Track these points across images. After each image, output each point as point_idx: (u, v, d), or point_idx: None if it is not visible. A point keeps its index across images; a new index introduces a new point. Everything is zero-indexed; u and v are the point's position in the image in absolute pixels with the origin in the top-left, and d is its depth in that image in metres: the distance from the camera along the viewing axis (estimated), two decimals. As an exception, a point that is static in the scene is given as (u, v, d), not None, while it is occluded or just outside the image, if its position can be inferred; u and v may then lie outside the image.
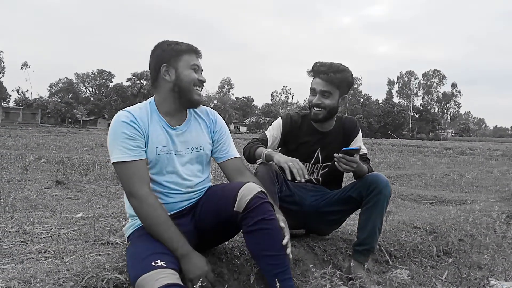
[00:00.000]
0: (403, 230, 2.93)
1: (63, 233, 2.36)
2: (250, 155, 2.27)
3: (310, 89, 2.31)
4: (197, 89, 1.80)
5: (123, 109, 1.77)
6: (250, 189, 1.68)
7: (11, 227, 2.43)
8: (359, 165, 2.16)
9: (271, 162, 2.16)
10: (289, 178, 2.04)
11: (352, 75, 2.29)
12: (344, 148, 2.08)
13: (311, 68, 2.30)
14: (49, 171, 5.69)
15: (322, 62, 2.26)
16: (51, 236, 2.29)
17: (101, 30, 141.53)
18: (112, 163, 1.69)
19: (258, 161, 2.26)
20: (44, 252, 1.97)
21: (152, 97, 1.86)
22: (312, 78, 2.30)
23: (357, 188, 2.25)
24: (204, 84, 1.84)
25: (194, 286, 1.52)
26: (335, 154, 2.09)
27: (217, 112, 2.01)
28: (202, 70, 1.84)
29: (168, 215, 1.67)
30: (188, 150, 1.84)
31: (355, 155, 2.08)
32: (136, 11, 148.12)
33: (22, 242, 2.16)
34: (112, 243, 2.17)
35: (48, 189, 4.17)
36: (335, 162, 2.10)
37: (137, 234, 1.75)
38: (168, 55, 1.77)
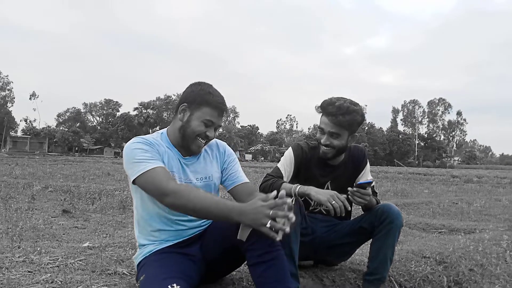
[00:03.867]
0: (413, 260, 2.89)
1: (70, 263, 2.35)
2: (274, 191, 2.22)
3: (319, 127, 2.29)
4: (200, 141, 1.81)
5: (135, 137, 1.81)
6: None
7: (18, 257, 2.42)
8: (371, 198, 2.16)
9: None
10: (332, 215, 2.02)
11: (362, 114, 2.23)
12: (359, 182, 2.09)
13: (319, 105, 2.25)
14: (56, 200, 5.70)
15: (331, 100, 2.20)
16: (58, 266, 2.28)
17: (109, 60, 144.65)
18: (135, 179, 1.68)
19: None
20: (51, 283, 1.96)
21: (165, 129, 1.91)
22: (321, 114, 2.26)
23: (369, 219, 2.24)
24: (210, 140, 1.85)
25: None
26: (349, 188, 2.10)
27: (226, 143, 2.03)
28: (218, 128, 1.84)
29: (204, 191, 1.68)
30: (197, 179, 1.87)
31: (367, 188, 2.09)
32: (143, 42, 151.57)
33: (29, 272, 2.14)
34: (119, 273, 2.16)
35: (55, 218, 4.18)
36: (349, 196, 2.10)
37: (148, 260, 1.75)
38: (193, 98, 1.79)
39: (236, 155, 2.07)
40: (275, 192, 1.51)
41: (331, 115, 2.17)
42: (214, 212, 1.57)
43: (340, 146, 2.24)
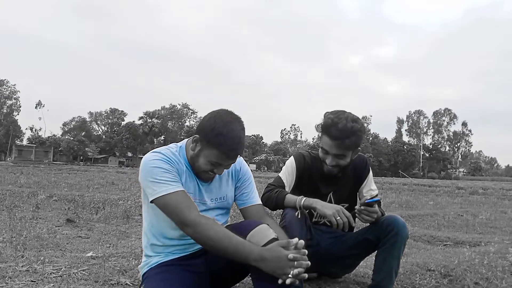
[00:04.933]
0: (417, 273, 2.86)
1: (73, 273, 2.35)
2: (277, 203, 2.19)
3: (322, 147, 2.24)
4: (210, 173, 1.78)
5: (152, 151, 1.78)
6: (261, 235, 1.63)
7: (22, 266, 2.42)
8: (378, 214, 2.16)
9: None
10: (336, 229, 2.02)
11: (364, 129, 2.19)
12: (366, 201, 2.08)
13: (320, 125, 2.20)
14: (60, 209, 5.71)
15: (332, 121, 2.13)
16: (61, 276, 2.28)
17: (115, 69, 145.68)
18: (155, 199, 1.67)
19: (288, 209, 2.15)
20: (54, 293, 1.96)
21: (184, 142, 1.87)
22: (321, 134, 2.22)
23: (374, 230, 2.22)
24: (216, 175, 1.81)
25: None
26: (357, 207, 2.10)
27: (242, 159, 1.97)
28: (226, 167, 1.78)
29: (225, 228, 1.64)
30: (212, 200, 1.86)
31: (374, 206, 2.09)
32: (149, 52, 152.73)
33: (32, 281, 2.15)
34: (122, 284, 2.15)
35: (59, 228, 4.18)
36: (356, 214, 2.10)
37: (153, 272, 1.75)
38: (205, 134, 1.70)
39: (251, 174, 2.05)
40: (296, 239, 1.50)
41: (335, 139, 2.13)
42: (231, 253, 1.57)
43: (345, 164, 2.24)
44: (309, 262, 1.49)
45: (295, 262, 1.47)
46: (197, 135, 1.73)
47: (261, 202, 1.96)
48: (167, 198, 1.65)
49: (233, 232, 1.70)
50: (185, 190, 1.72)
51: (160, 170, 1.68)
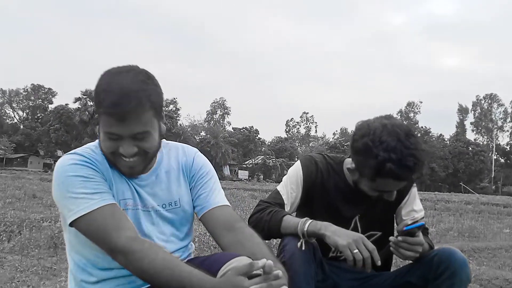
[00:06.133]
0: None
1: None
2: (271, 228, 2.19)
3: (374, 189, 2.23)
4: (123, 159, 1.79)
5: (68, 153, 1.83)
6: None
7: None
8: (424, 246, 2.17)
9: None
10: (352, 268, 2.01)
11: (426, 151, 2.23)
12: (405, 228, 2.10)
13: (369, 170, 2.13)
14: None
15: (399, 158, 2.05)
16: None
17: (41, 30, 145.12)
18: (72, 222, 1.71)
19: (288, 238, 2.15)
20: None
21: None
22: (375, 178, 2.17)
23: (420, 270, 2.24)
24: (133, 157, 1.78)
25: None
26: (392, 238, 2.11)
27: (197, 150, 2.06)
28: (137, 138, 1.75)
29: (167, 256, 1.66)
30: (159, 206, 1.89)
31: (417, 234, 2.10)
32: (93, 4, 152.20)
33: None
34: None
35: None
36: (392, 248, 2.12)
37: None
38: (94, 99, 1.79)
39: (224, 172, 2.06)
40: (264, 260, 1.49)
41: (400, 179, 2.13)
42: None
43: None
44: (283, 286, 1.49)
45: None
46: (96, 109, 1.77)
47: (228, 204, 1.98)
48: (88, 219, 1.69)
49: (200, 270, 1.71)
50: (117, 199, 1.78)
51: (78, 179, 1.72)
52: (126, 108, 1.65)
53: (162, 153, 1.96)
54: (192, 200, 1.98)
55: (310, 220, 2.12)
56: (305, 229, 2.09)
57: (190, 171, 2.00)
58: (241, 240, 1.82)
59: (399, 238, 2.08)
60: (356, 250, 1.97)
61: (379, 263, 1.96)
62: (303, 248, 2.05)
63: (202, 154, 2.07)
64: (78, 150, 1.83)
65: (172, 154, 2.00)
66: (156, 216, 1.89)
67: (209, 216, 1.93)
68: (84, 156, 1.78)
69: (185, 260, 1.88)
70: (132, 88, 1.68)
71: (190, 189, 1.99)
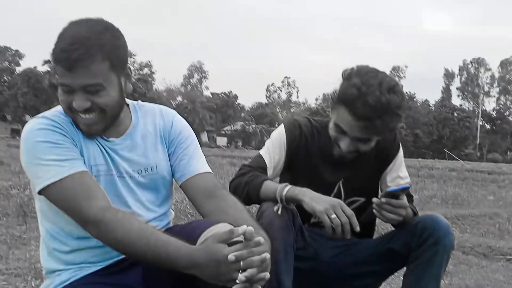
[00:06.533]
0: (467, 301, 2.94)
1: None
2: (250, 192, 2.20)
3: (335, 124, 2.23)
4: (81, 116, 1.75)
5: (36, 116, 1.80)
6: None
7: None
8: (408, 211, 2.18)
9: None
10: (329, 235, 2.02)
11: (405, 103, 2.22)
12: (388, 190, 2.11)
13: (337, 94, 2.19)
14: None
15: (359, 90, 2.09)
16: None
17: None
18: (41, 189, 1.70)
19: (267, 204, 2.15)
20: None
21: None
22: (336, 105, 2.21)
23: (403, 237, 2.26)
24: (89, 113, 1.74)
25: None
26: (375, 200, 2.11)
27: (176, 113, 2.03)
28: (84, 89, 1.70)
29: (142, 225, 1.66)
30: (135, 172, 1.87)
31: (401, 197, 2.11)
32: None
33: None
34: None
35: None
36: (375, 210, 2.12)
37: None
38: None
39: (202, 138, 2.04)
40: (244, 227, 1.49)
41: (362, 119, 2.12)
42: (152, 260, 1.60)
43: (367, 150, 2.27)
44: (265, 256, 1.48)
45: (241, 263, 1.47)
46: None
47: (210, 171, 1.97)
48: (58, 187, 1.68)
49: (179, 237, 1.70)
50: (89, 165, 1.77)
51: (47, 145, 1.70)
52: (73, 55, 1.62)
53: (138, 116, 1.94)
54: (172, 166, 1.96)
55: (290, 186, 2.12)
56: (284, 194, 2.10)
57: (169, 136, 1.97)
58: (223, 207, 1.83)
59: (382, 199, 2.08)
60: (334, 216, 1.98)
61: (357, 228, 1.97)
62: (279, 212, 2.06)
63: (181, 117, 2.04)
64: (46, 113, 1.80)
65: (149, 117, 1.97)
66: (132, 182, 1.87)
67: (189, 183, 1.92)
68: (53, 121, 1.75)
69: (164, 229, 1.89)
70: (83, 35, 1.66)
71: (169, 155, 1.96)
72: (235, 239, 1.49)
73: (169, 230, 1.86)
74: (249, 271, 1.46)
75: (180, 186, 1.96)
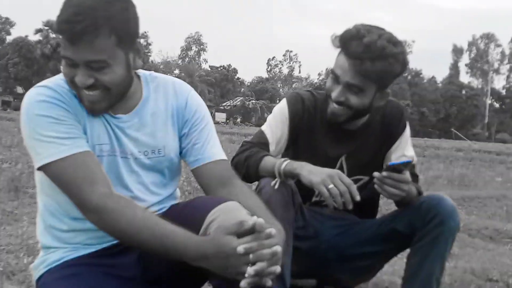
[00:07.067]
0: (472, 283, 2.96)
1: None
2: (249, 168, 2.21)
3: (332, 72, 2.26)
4: (85, 92, 1.70)
5: (37, 85, 1.75)
6: (227, 219, 1.61)
7: None
8: (410, 188, 2.18)
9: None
10: (330, 206, 2.02)
11: (404, 60, 2.18)
12: (390, 163, 2.11)
13: (338, 36, 2.19)
14: None
15: (357, 32, 2.13)
16: None
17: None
18: (41, 167, 1.68)
19: (266, 180, 2.17)
20: None
21: None
22: (338, 52, 2.23)
23: (407, 217, 2.27)
24: (92, 90, 1.69)
25: None
26: (376, 174, 2.10)
27: (190, 88, 1.97)
28: (87, 65, 1.64)
29: (146, 214, 1.65)
30: (140, 153, 1.84)
31: (404, 171, 2.09)
32: None
33: None
34: (6, 293, 2.17)
35: None
36: (376, 185, 2.11)
37: (54, 276, 1.75)
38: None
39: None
40: (255, 218, 1.49)
41: (355, 58, 2.12)
42: (157, 251, 1.60)
43: (359, 106, 2.24)
44: (276, 249, 1.49)
45: (251, 255, 1.47)
46: None
47: (225, 158, 1.94)
48: (58, 166, 1.65)
49: (182, 214, 1.72)
50: (92, 144, 1.73)
51: (48, 120, 1.66)
52: (77, 27, 1.56)
53: (150, 89, 1.88)
54: (184, 148, 1.92)
55: (288, 160, 2.13)
56: (282, 168, 2.10)
57: (183, 116, 1.91)
58: (237, 195, 1.79)
59: (384, 173, 2.07)
60: (332, 185, 1.97)
61: (358, 198, 1.96)
62: (276, 187, 2.07)
63: (196, 94, 1.98)
64: (49, 83, 1.75)
65: (161, 91, 1.90)
66: (136, 164, 1.83)
67: (203, 170, 1.89)
68: (56, 91, 1.71)
69: (165, 209, 1.89)
70: (89, 5, 1.58)
71: (182, 136, 1.92)
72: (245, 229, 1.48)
73: (170, 209, 1.88)
74: (259, 265, 1.46)
75: (192, 170, 1.93)
